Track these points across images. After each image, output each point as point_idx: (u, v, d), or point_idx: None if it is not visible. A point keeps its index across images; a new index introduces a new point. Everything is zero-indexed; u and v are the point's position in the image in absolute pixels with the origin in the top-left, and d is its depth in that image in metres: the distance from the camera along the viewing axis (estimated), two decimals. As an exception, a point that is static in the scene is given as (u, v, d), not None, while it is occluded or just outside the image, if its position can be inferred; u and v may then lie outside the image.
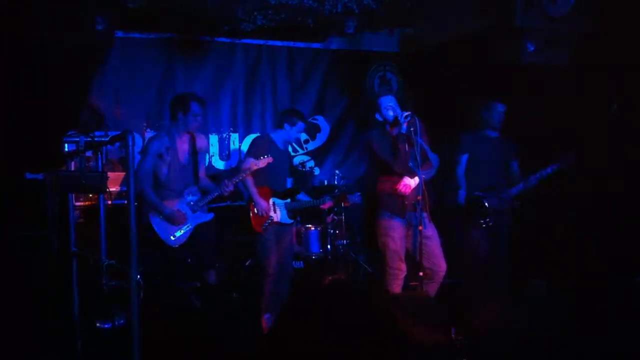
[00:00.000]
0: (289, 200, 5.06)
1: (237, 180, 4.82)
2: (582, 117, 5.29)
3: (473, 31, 5.64)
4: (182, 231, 4.71)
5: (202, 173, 4.98)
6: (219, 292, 5.09)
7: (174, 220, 4.67)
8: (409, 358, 1.59)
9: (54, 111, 5.00)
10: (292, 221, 5.09)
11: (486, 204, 4.96)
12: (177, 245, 4.69)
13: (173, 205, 4.72)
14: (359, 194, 4.84)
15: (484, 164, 5.13)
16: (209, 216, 4.89)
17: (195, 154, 4.88)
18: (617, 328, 3.41)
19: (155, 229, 4.65)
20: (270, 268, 4.88)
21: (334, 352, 1.51)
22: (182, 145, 4.83)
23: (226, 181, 4.79)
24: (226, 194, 4.82)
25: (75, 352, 3.74)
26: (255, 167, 4.78)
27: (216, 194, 4.82)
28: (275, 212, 4.96)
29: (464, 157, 5.20)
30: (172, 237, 4.67)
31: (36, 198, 4.59)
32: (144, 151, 4.84)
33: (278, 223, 4.97)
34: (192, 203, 4.80)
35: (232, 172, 5.93)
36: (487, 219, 4.97)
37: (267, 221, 4.90)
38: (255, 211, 4.88)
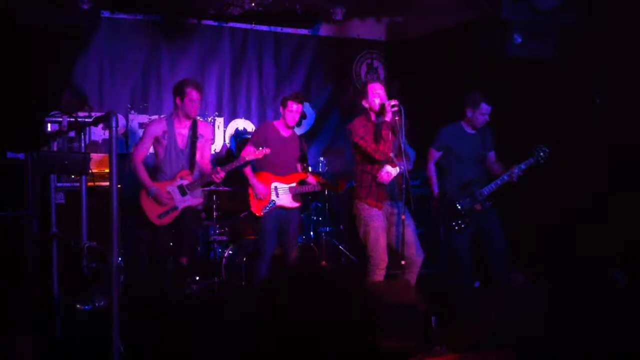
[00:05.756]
0: (294, 184, 5.10)
1: (230, 169, 4.84)
2: (566, 110, 5.33)
3: (460, 22, 5.64)
4: (168, 212, 4.76)
5: (201, 159, 4.96)
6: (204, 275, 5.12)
7: (160, 200, 4.72)
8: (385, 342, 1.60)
9: (37, 90, 4.94)
10: (297, 204, 5.11)
11: (458, 206, 4.90)
12: (161, 225, 4.77)
13: (164, 187, 4.78)
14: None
15: (463, 161, 5.02)
16: (197, 201, 4.92)
17: (195, 140, 4.89)
18: (595, 321, 3.47)
19: (143, 207, 4.74)
20: (266, 253, 4.97)
21: (307, 336, 1.52)
22: (181, 131, 4.87)
23: (218, 168, 4.80)
24: (218, 180, 4.82)
25: (55, 334, 3.73)
26: (251, 157, 4.85)
27: (207, 179, 4.85)
28: (277, 196, 5.03)
29: (438, 153, 5.06)
30: (158, 217, 4.75)
31: (17, 178, 4.54)
32: (143, 132, 5.00)
33: (281, 207, 5.03)
34: (182, 186, 4.82)
35: (227, 159, 5.95)
36: (459, 221, 4.91)
37: (269, 205, 4.98)
38: (254, 195, 4.99)
